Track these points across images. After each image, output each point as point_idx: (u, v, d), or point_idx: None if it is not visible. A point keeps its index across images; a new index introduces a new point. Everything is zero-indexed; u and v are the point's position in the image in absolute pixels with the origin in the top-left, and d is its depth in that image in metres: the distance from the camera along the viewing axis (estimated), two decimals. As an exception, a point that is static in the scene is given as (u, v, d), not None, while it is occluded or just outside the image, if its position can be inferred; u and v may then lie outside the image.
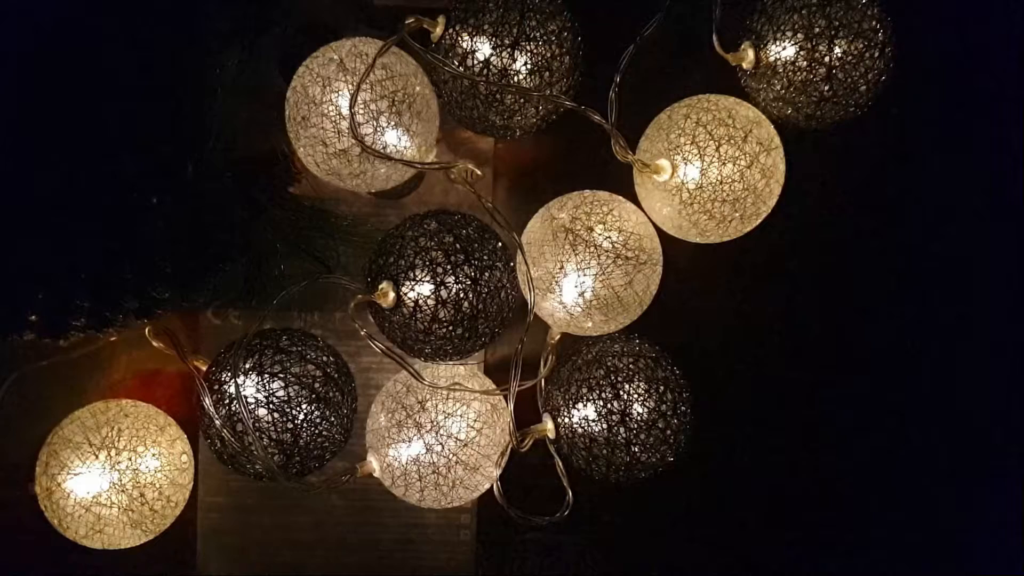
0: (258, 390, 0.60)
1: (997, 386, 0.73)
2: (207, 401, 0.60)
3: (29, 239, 0.59)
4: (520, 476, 0.65)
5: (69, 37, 0.60)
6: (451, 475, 0.61)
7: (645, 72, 0.63)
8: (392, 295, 0.60)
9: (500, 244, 0.62)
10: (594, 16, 0.65)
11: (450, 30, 0.62)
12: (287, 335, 0.63)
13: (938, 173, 0.74)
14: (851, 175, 0.75)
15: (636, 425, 0.62)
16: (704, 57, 0.64)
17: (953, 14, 0.72)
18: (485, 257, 0.60)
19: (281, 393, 0.60)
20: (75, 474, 0.61)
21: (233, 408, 0.60)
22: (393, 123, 0.61)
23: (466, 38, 0.62)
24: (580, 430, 0.62)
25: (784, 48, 0.62)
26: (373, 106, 0.60)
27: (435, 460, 0.61)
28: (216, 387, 0.61)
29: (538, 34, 0.61)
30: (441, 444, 0.61)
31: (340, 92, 0.60)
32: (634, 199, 0.64)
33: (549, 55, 0.62)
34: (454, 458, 0.61)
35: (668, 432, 0.62)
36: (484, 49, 0.61)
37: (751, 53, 0.63)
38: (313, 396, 0.61)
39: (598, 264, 0.59)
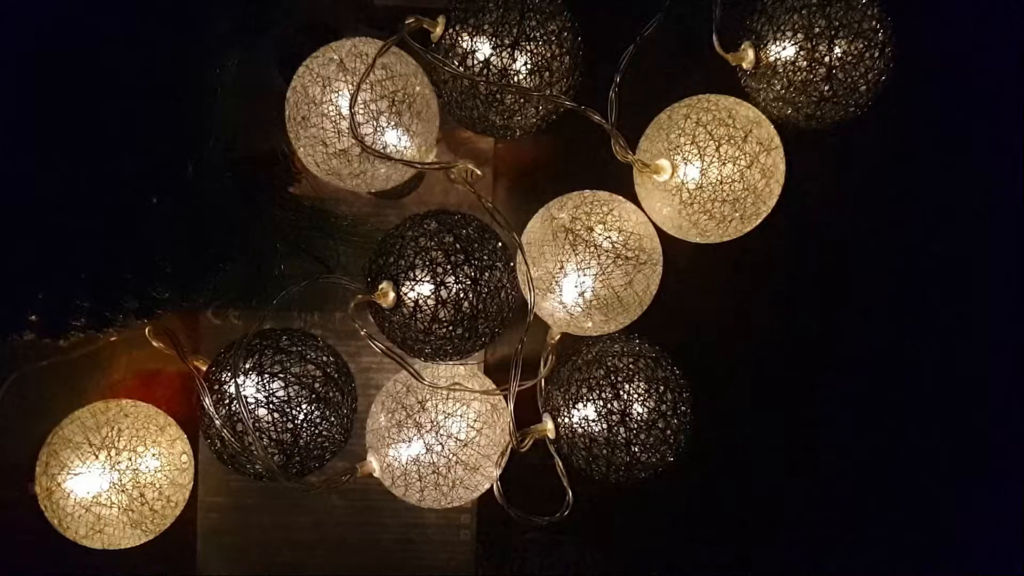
0: (258, 390, 0.60)
1: (997, 386, 0.73)
2: (207, 401, 0.60)
3: (29, 239, 0.59)
4: (520, 476, 0.65)
5: (69, 37, 0.60)
6: (451, 475, 0.61)
7: (645, 72, 0.63)
8: (392, 295, 0.60)
9: (500, 244, 0.62)
10: (594, 16, 0.65)
11: (450, 30, 0.62)
12: (287, 335, 0.63)
13: (938, 173, 0.74)
14: (851, 175, 0.75)
15: (636, 425, 0.62)
16: (704, 57, 0.64)
17: (953, 14, 0.72)
18: (485, 257, 0.60)
19: (281, 393, 0.60)
20: (75, 474, 0.61)
21: (233, 408, 0.60)
22: (393, 123, 0.61)
23: (466, 38, 0.62)
24: (580, 430, 0.62)
25: (784, 48, 0.62)
26: (373, 106, 0.60)
27: (435, 460, 0.61)
28: (216, 387, 0.61)
29: (538, 34, 0.61)
30: (441, 444, 0.61)
31: (340, 92, 0.60)
32: (634, 199, 0.64)
33: (549, 55, 0.62)
34: (454, 458, 0.61)
35: (668, 432, 0.62)
36: (484, 49, 0.61)
37: (751, 53, 0.63)
38: (313, 396, 0.61)
39: (598, 264, 0.59)
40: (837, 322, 0.76)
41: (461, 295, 0.59)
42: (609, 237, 0.60)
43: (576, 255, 0.60)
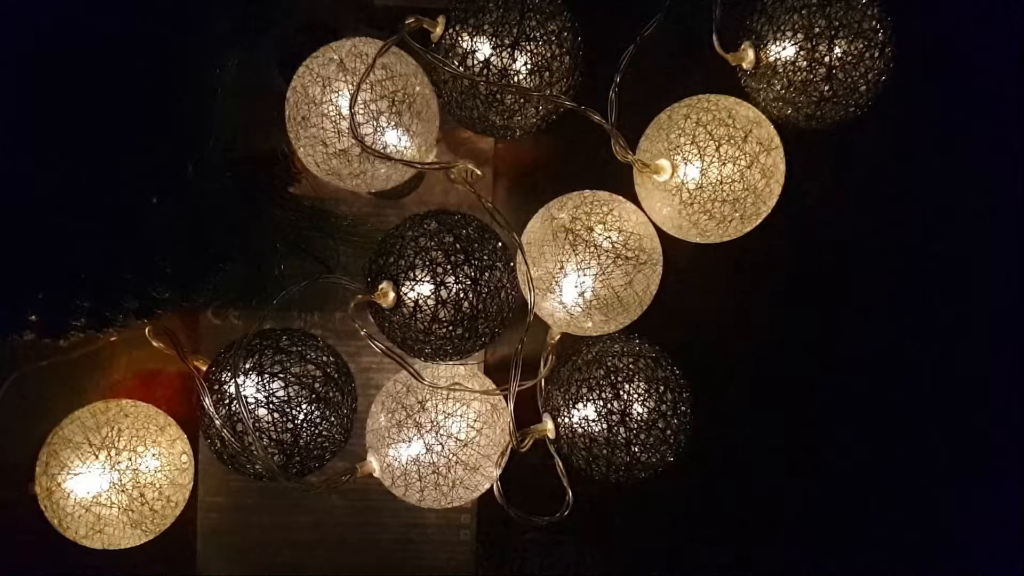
0: (258, 390, 0.60)
1: (997, 386, 0.73)
2: (207, 401, 0.60)
3: (29, 239, 0.59)
4: (520, 476, 0.65)
5: (69, 37, 0.60)
6: (451, 475, 0.61)
7: (645, 72, 0.63)
8: (392, 295, 0.60)
9: (500, 244, 0.62)
10: (594, 16, 0.65)
11: (450, 30, 0.62)
12: (287, 335, 0.63)
13: (938, 173, 0.74)
14: (851, 175, 0.75)
15: (636, 425, 0.62)
16: (704, 57, 0.64)
17: (953, 14, 0.72)
18: (485, 257, 0.60)
19: (281, 393, 0.60)
20: (75, 474, 0.61)
21: (233, 408, 0.59)
22: (393, 123, 0.61)
23: (466, 38, 0.62)
24: (580, 430, 0.62)
25: (784, 48, 0.62)
26: (373, 106, 0.60)
27: (435, 460, 0.61)
28: (216, 387, 0.61)
29: (538, 34, 0.61)
30: (441, 444, 0.61)
31: (340, 92, 0.60)
32: (634, 199, 0.64)
33: (549, 55, 0.62)
34: (454, 458, 0.61)
35: (668, 432, 0.62)
36: (484, 49, 0.61)
37: (751, 53, 0.63)
38: (313, 396, 0.61)
39: (598, 264, 0.59)
40: (837, 322, 0.76)
41: (461, 295, 0.59)
42: (609, 237, 0.60)
43: (576, 255, 0.60)
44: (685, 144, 0.61)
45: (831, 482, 0.76)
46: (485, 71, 0.61)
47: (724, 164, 0.60)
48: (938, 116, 0.73)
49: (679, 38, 0.68)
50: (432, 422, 0.61)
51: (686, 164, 0.61)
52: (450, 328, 0.60)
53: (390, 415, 0.62)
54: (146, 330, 0.64)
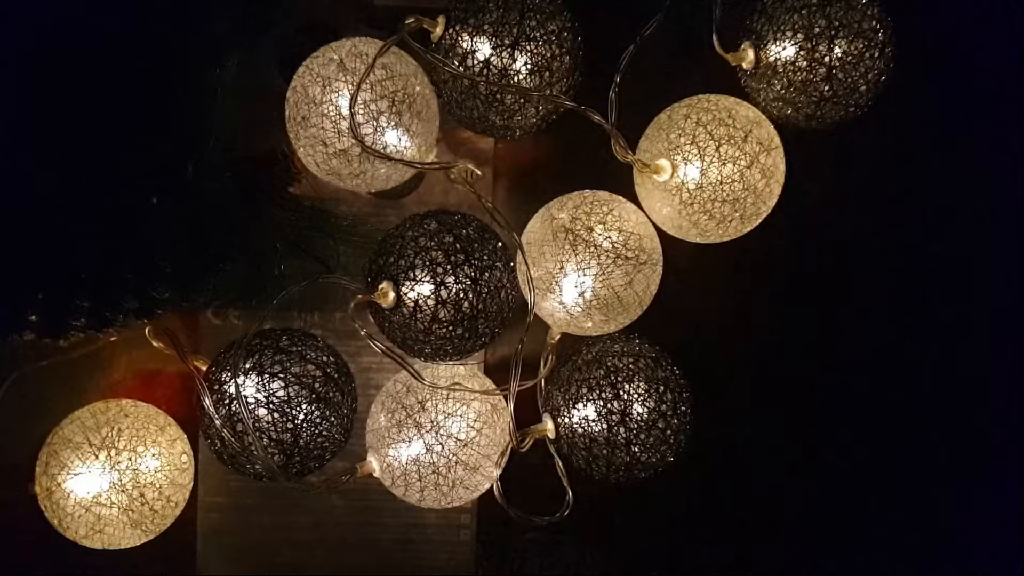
0: (258, 390, 0.60)
1: (997, 386, 0.73)
2: (207, 401, 0.60)
3: (29, 239, 0.59)
4: (520, 476, 0.65)
5: (69, 37, 0.60)
6: (451, 475, 0.61)
7: (645, 72, 0.63)
8: (392, 295, 0.60)
9: (500, 244, 0.62)
10: (594, 16, 0.65)
11: (450, 30, 0.62)
12: (287, 335, 0.63)
13: (938, 173, 0.74)
14: (851, 175, 0.75)
15: (636, 425, 0.62)
16: (704, 57, 0.64)
17: (953, 14, 0.72)
18: (485, 257, 0.60)
19: (281, 393, 0.60)
20: (75, 474, 0.61)
21: (233, 408, 0.59)
22: (393, 123, 0.61)
23: (466, 38, 0.62)
24: (580, 430, 0.62)
25: (784, 48, 0.62)
26: (373, 106, 0.60)
27: (435, 460, 0.61)
28: (216, 387, 0.61)
29: (538, 34, 0.61)
30: (441, 444, 0.61)
31: (340, 92, 0.60)
32: (634, 199, 0.64)
33: (549, 55, 0.62)
34: (454, 458, 0.61)
35: (668, 432, 0.62)
36: (484, 49, 0.61)
37: (751, 53, 0.63)
38: (313, 396, 0.61)
39: (598, 264, 0.59)
40: (837, 322, 0.76)
41: (461, 295, 0.59)
42: (609, 237, 0.60)
43: (576, 255, 0.60)
44: (685, 144, 0.61)
45: (831, 482, 0.76)
46: (485, 71, 0.61)
47: (724, 164, 0.60)
48: (938, 116, 0.73)
49: (679, 38, 0.68)
50: (432, 422, 0.61)
51: (686, 164, 0.61)
52: (450, 328, 0.60)
53: (390, 415, 0.62)
54: (146, 330, 0.64)
